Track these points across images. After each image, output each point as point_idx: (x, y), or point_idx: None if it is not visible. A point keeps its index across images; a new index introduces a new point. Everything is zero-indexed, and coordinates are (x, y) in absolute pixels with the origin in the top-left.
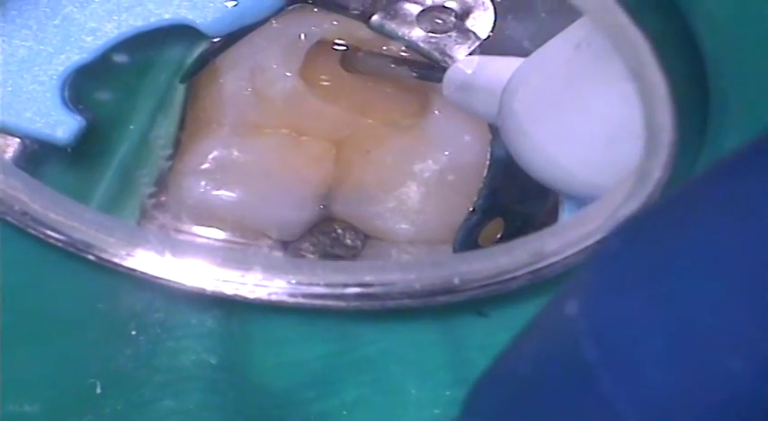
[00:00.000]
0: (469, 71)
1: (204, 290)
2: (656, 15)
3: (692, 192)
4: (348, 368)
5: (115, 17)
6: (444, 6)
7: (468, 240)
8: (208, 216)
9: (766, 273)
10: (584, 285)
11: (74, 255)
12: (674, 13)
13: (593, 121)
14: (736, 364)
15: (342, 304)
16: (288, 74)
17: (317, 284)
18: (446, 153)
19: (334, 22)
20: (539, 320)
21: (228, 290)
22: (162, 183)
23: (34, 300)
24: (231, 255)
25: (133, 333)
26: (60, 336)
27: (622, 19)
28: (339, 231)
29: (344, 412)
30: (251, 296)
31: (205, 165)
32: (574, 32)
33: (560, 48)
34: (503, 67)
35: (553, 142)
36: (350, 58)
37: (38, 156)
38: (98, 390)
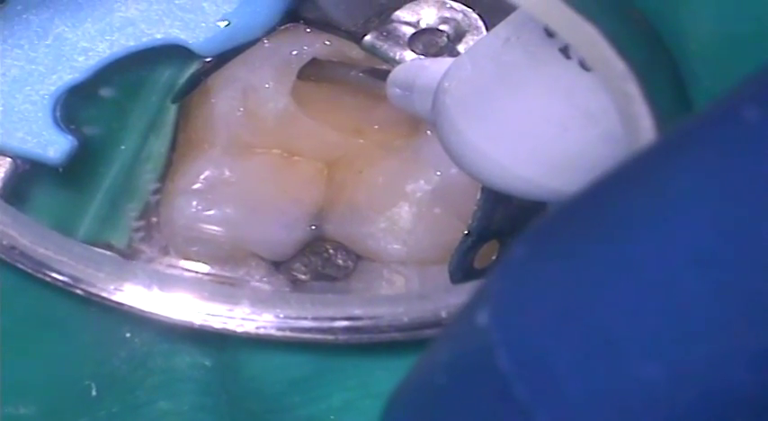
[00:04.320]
0: (411, 72)
1: (192, 324)
2: (641, 48)
3: (596, 195)
4: (335, 373)
5: (107, 37)
6: (438, 29)
7: (464, 264)
8: (198, 237)
9: (675, 278)
10: (494, 295)
11: (62, 290)
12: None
13: (523, 115)
14: (651, 370)
15: (330, 337)
16: (280, 94)
17: (305, 318)
18: (438, 173)
19: (327, 42)
20: (451, 329)
21: (216, 324)
22: (153, 203)
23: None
24: (219, 289)
25: (128, 335)
26: (55, 339)
27: (607, 51)
28: (331, 251)
29: (332, 417)
30: (239, 330)
31: (197, 185)
32: (504, 27)
33: (491, 43)
34: (442, 68)
35: (484, 137)
36: (310, 67)
37: (29, 175)
38: (93, 393)
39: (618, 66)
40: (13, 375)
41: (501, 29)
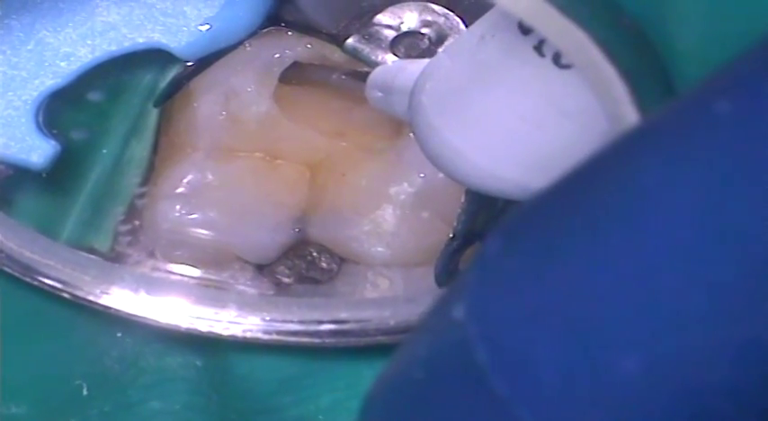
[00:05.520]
0: (389, 74)
1: (179, 327)
2: (631, 53)
3: (570, 187)
4: (324, 374)
5: (89, 42)
6: (419, 32)
7: (449, 267)
8: (182, 240)
9: (650, 271)
10: (470, 288)
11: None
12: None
13: (497, 113)
14: (628, 364)
15: (316, 341)
16: (262, 97)
17: (292, 321)
18: (421, 175)
19: (308, 45)
20: (428, 323)
21: (203, 327)
22: (135, 207)
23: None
24: (206, 293)
25: (119, 335)
26: (46, 339)
27: (597, 56)
28: (315, 254)
29: (321, 417)
30: (225, 333)
31: (179, 190)
32: (480, 24)
33: (467, 41)
34: (420, 68)
35: (460, 135)
36: (292, 71)
37: (12, 180)
38: (85, 392)
39: (607, 70)
40: (4, 375)
41: (477, 26)
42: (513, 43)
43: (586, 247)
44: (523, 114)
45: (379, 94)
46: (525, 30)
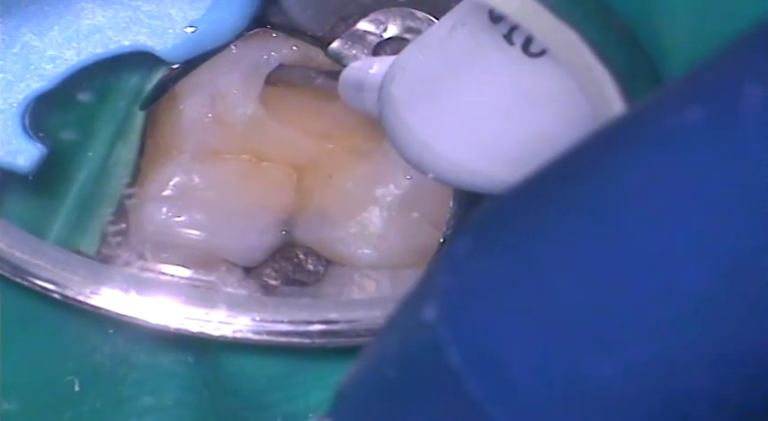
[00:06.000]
0: (361, 71)
1: (168, 327)
2: (622, 53)
3: (542, 185)
4: (314, 372)
5: (74, 44)
6: (402, 38)
7: None
8: (169, 243)
9: (624, 276)
10: (441, 291)
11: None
12: (640, 52)
13: (466, 104)
14: (604, 368)
15: (306, 341)
16: (248, 99)
17: (282, 321)
18: (408, 177)
19: (294, 47)
20: (397, 320)
21: (193, 327)
22: (122, 210)
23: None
24: (196, 293)
25: (110, 331)
26: (38, 335)
27: (588, 57)
28: (301, 256)
29: (311, 414)
30: (215, 333)
31: (166, 192)
32: (451, 14)
33: (437, 31)
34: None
35: (429, 127)
36: (278, 73)
37: None
38: (76, 388)
39: (599, 71)
40: None
41: (448, 17)
42: (482, 32)
43: (560, 249)
44: (492, 104)
45: (352, 92)
46: (496, 18)
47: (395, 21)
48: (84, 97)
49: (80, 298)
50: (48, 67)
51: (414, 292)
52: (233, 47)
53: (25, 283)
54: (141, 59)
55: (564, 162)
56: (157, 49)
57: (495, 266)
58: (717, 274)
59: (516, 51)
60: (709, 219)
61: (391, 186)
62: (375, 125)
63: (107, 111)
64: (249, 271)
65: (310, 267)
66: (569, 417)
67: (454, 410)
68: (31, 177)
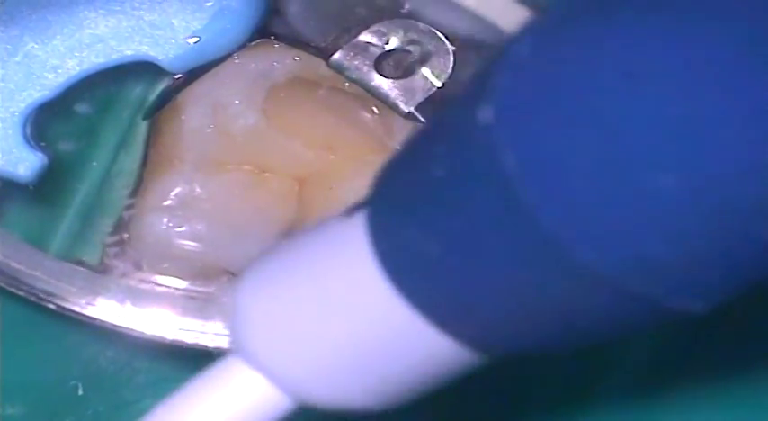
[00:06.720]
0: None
1: (164, 339)
2: None
3: None
4: None
5: (77, 54)
6: (405, 50)
7: None
8: (170, 253)
9: (693, 90)
10: (499, 91)
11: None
12: None
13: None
14: (664, 181)
15: None
16: (250, 110)
17: None
18: None
19: (296, 58)
20: (447, 119)
21: (189, 339)
22: (123, 220)
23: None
24: (192, 304)
25: (110, 340)
26: (41, 340)
27: None
28: None
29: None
30: (211, 345)
31: (167, 202)
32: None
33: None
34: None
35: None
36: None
37: None
38: (80, 392)
39: None
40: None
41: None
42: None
43: (625, 59)
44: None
45: None
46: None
47: (397, 33)
48: (86, 107)
49: (76, 308)
50: (50, 76)
51: (466, 92)
52: (235, 57)
53: (21, 293)
54: (144, 69)
55: None
56: (160, 58)
57: (556, 70)
58: None
59: None
60: None
61: None
62: (377, 137)
63: (109, 120)
64: None
65: None
66: (625, 225)
67: (502, 216)
68: (32, 187)
